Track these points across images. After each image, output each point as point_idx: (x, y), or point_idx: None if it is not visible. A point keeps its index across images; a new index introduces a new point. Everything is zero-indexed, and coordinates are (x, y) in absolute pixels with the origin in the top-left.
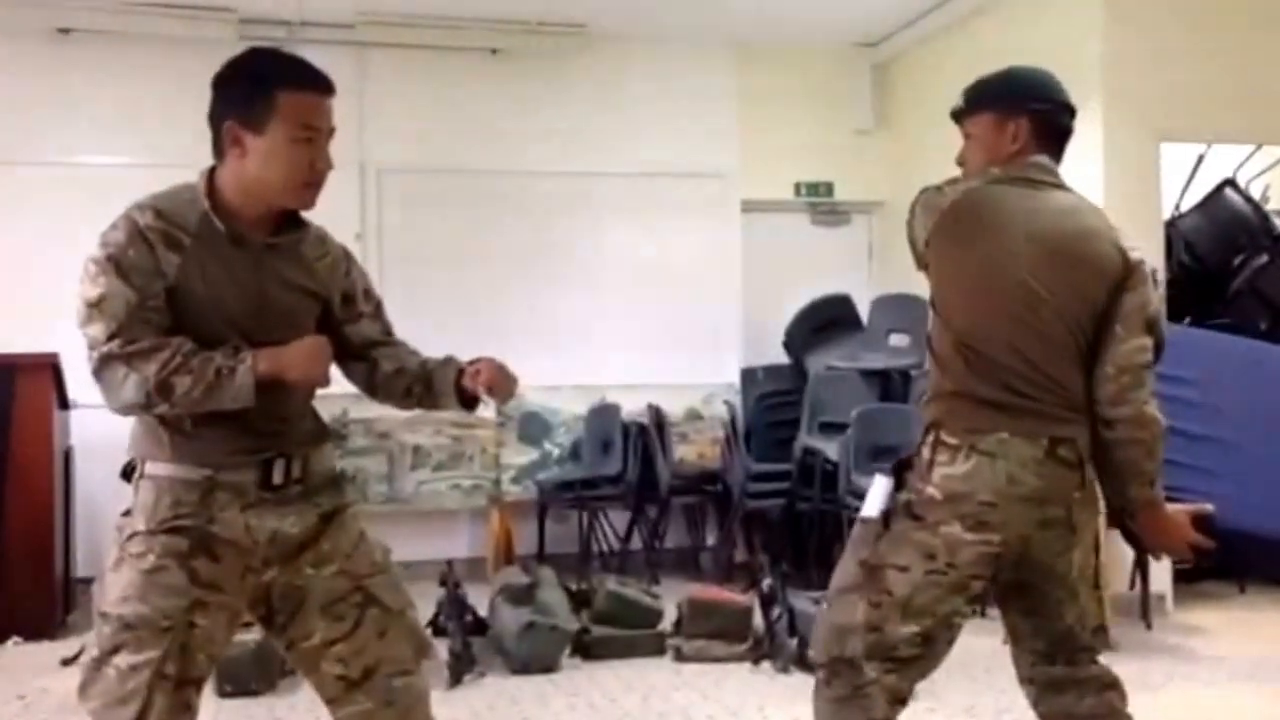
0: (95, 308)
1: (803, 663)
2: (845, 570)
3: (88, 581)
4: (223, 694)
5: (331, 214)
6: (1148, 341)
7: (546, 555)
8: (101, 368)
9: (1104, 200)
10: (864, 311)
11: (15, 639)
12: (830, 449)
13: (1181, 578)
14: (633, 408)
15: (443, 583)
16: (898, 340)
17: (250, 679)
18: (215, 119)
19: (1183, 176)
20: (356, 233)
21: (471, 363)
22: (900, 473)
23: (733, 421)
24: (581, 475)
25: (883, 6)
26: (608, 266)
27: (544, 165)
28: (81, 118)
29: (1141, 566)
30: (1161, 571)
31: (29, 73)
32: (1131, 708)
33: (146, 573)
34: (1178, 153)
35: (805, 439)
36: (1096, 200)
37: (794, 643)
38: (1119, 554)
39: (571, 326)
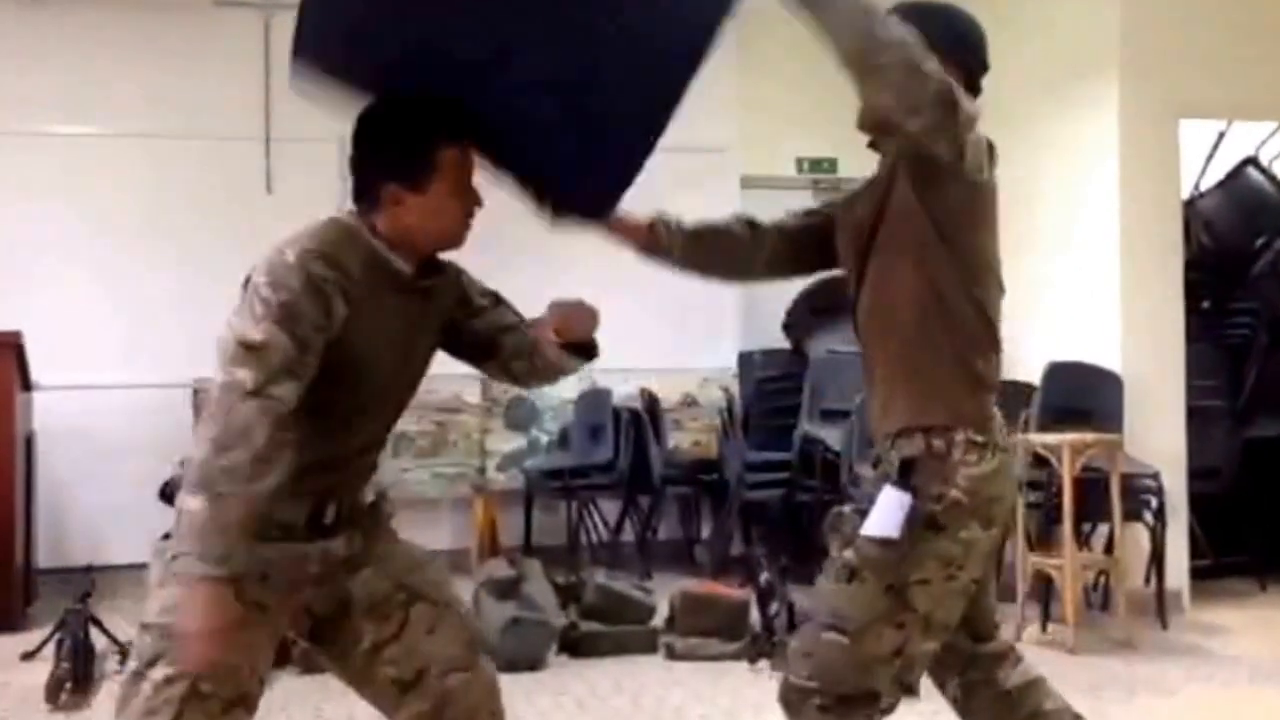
0: (253, 352)
1: None
2: (866, 599)
3: (50, 572)
4: None
5: (312, 188)
6: None
7: (533, 547)
8: (229, 407)
9: (1120, 178)
10: None
11: None
12: (832, 437)
13: (1199, 574)
14: (624, 393)
15: None
16: None
17: None
18: (367, 175)
19: (1202, 154)
20: (337, 207)
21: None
22: (908, 479)
23: (729, 408)
24: (570, 463)
25: None
26: (599, 244)
27: None
28: (49, 85)
29: (1158, 563)
30: (1178, 568)
31: (0, 39)
32: (1147, 711)
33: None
34: (1197, 129)
35: (806, 426)
36: (1112, 178)
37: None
38: (1135, 549)
39: None
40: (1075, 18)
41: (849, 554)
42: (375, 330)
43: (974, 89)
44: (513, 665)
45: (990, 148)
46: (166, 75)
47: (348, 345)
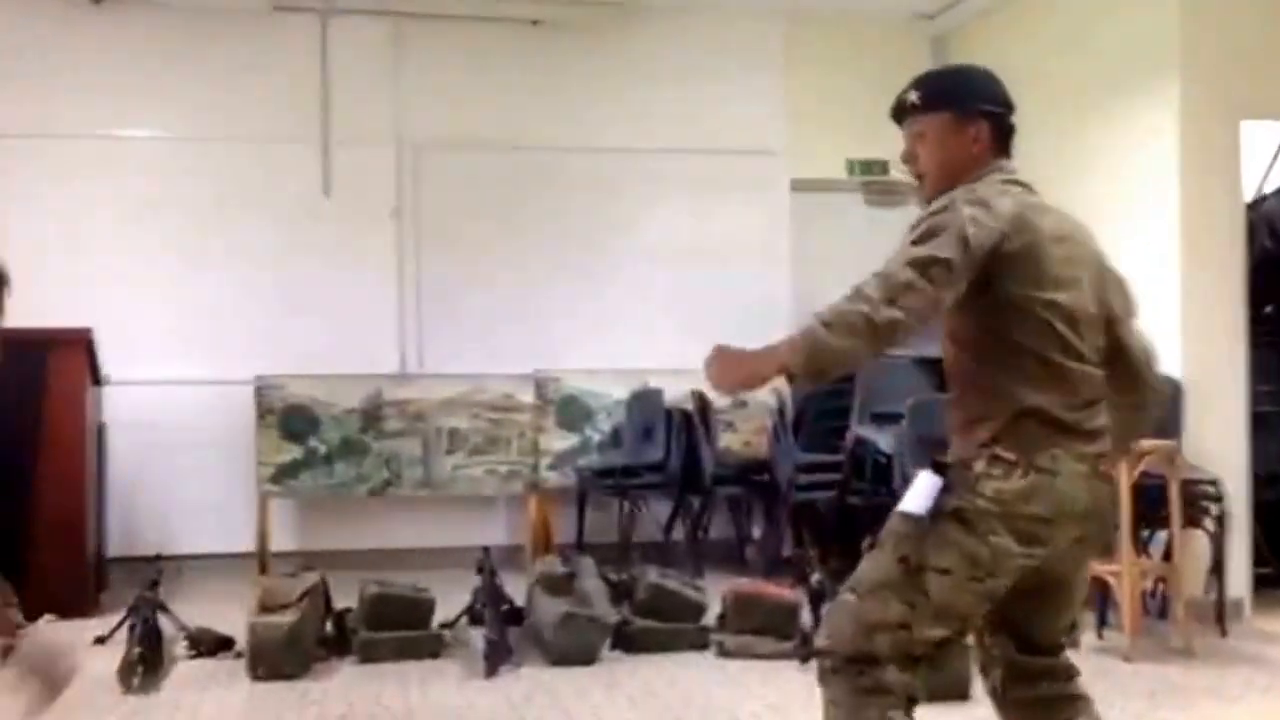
0: None
1: None
2: (880, 564)
3: (119, 561)
4: (255, 677)
5: (369, 190)
6: (1143, 333)
7: (585, 544)
8: None
9: (1181, 181)
10: None
11: (48, 616)
12: (883, 440)
13: (1261, 583)
14: (676, 393)
15: (479, 570)
16: None
17: (284, 662)
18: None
19: (1266, 157)
20: (393, 208)
21: None
22: (944, 472)
23: (780, 410)
24: (623, 462)
25: None
26: (651, 246)
27: (585, 140)
28: (113, 89)
29: (1219, 571)
30: (1239, 575)
31: (63, 43)
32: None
33: None
34: (1263, 131)
35: (857, 429)
36: (1172, 182)
37: None
38: (1196, 558)
39: (613, 308)
40: (1135, 19)
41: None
42: None
43: (1006, 131)
44: (566, 659)
45: (1019, 213)
46: (226, 79)
47: None
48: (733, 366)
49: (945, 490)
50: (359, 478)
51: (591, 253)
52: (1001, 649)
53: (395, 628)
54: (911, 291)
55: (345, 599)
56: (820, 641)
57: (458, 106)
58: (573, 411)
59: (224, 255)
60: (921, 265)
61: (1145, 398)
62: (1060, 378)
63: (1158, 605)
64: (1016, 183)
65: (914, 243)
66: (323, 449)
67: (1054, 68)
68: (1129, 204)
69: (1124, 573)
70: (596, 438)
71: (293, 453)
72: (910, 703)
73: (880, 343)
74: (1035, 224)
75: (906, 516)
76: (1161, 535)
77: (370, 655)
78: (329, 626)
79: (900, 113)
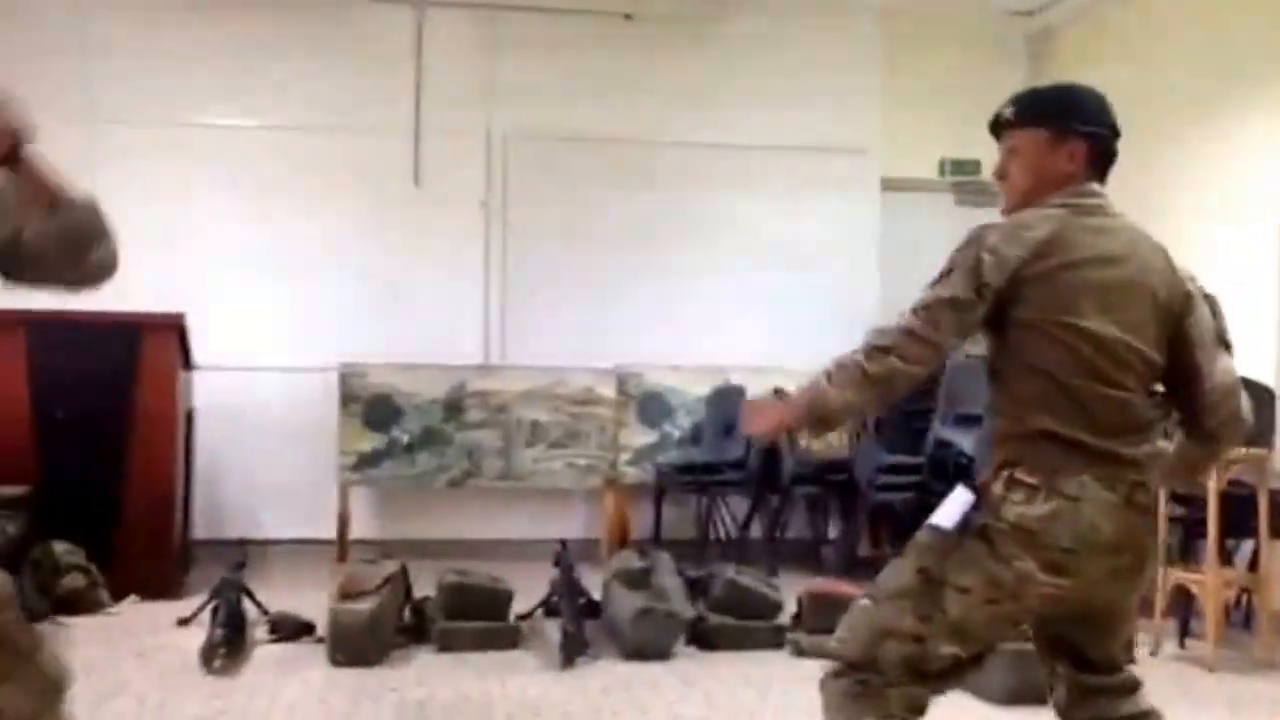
0: None
1: None
2: (901, 574)
3: (205, 544)
4: (335, 663)
5: (458, 181)
6: (1230, 360)
7: (662, 540)
8: None
9: None
10: None
11: (134, 597)
12: (966, 442)
13: None
14: (757, 391)
15: (556, 563)
16: None
17: (364, 648)
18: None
19: None
20: (481, 200)
21: None
22: (976, 489)
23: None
24: (702, 459)
25: None
26: (737, 243)
27: (674, 135)
28: (210, 80)
29: None
30: None
31: (164, 32)
32: None
33: None
34: None
35: (940, 431)
36: (1272, 184)
37: None
38: None
39: (696, 303)
40: (1237, 18)
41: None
42: None
43: (1105, 154)
44: (641, 654)
45: (1052, 238)
46: (322, 70)
47: None
48: (756, 416)
49: (975, 508)
50: (439, 468)
51: (677, 248)
52: (1063, 668)
53: (473, 617)
54: (913, 340)
55: (424, 588)
56: (831, 644)
57: (548, 99)
58: (653, 407)
59: (314, 243)
60: (928, 309)
61: (1216, 430)
62: (1084, 402)
63: (1241, 616)
64: (1083, 207)
65: (934, 282)
66: (405, 438)
67: (1154, 67)
68: (1227, 207)
69: (1208, 582)
70: (676, 434)
71: (375, 442)
72: (917, 712)
73: (878, 393)
74: (1073, 245)
75: (934, 529)
76: (1247, 546)
77: (448, 644)
78: (408, 614)
79: (996, 127)
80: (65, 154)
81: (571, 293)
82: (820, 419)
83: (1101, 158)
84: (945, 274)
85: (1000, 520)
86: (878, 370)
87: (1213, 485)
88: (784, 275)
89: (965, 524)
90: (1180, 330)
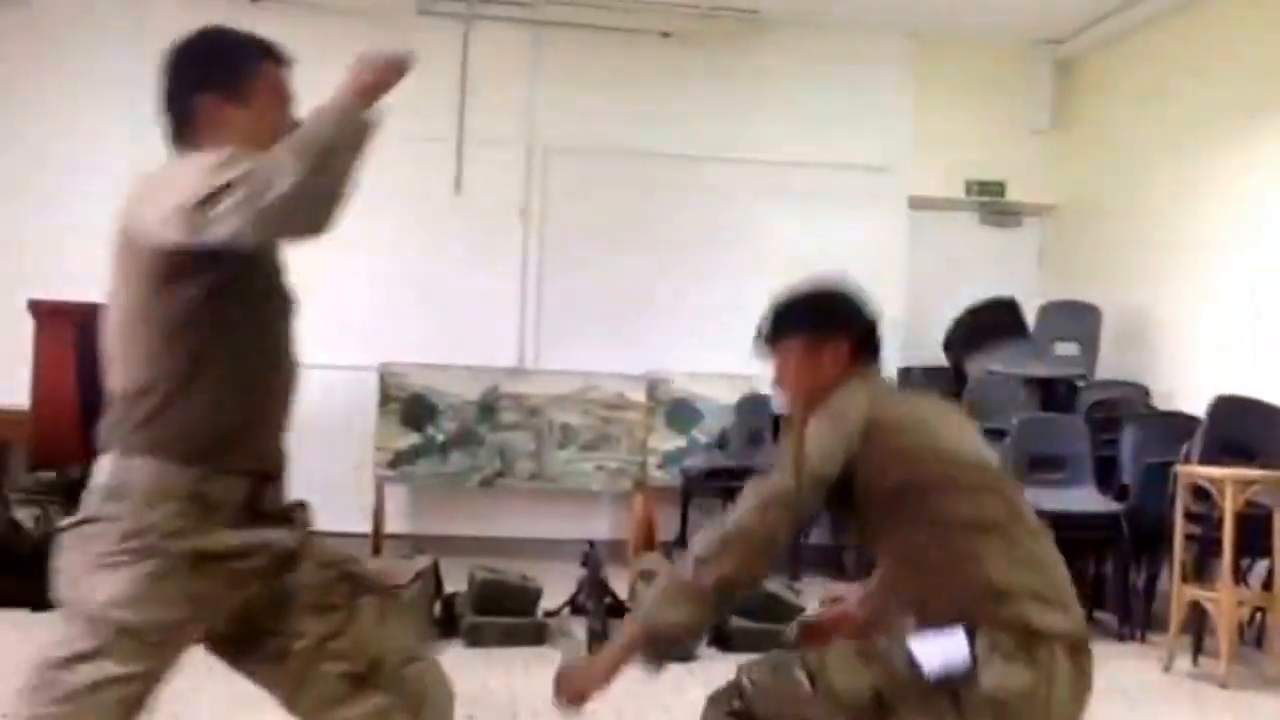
0: None
1: None
2: (857, 679)
3: None
4: None
5: (498, 190)
6: None
7: (688, 542)
8: None
9: None
10: (1030, 317)
11: None
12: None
13: None
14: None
15: (584, 563)
16: (1065, 349)
17: None
18: (181, 97)
19: None
20: (520, 209)
21: None
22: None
23: None
24: (729, 465)
25: (1070, 2)
26: (767, 256)
27: (709, 151)
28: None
29: None
30: None
31: None
32: None
33: (150, 576)
34: None
35: None
36: None
37: None
38: None
39: (726, 315)
40: (1264, 47)
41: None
42: None
43: (866, 345)
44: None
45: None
46: None
47: None
48: (569, 686)
49: (965, 664)
50: (472, 467)
51: (708, 260)
52: None
53: (502, 614)
54: (741, 539)
55: (454, 583)
56: (745, 680)
57: (587, 113)
58: (682, 413)
59: (356, 246)
60: (762, 508)
61: None
62: (1024, 547)
63: (1254, 634)
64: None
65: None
66: (440, 437)
67: (1178, 94)
68: (1248, 232)
69: (1222, 600)
70: (703, 440)
71: (411, 440)
72: None
73: (711, 605)
74: (891, 404)
75: (913, 664)
76: (1261, 565)
77: (477, 639)
78: (438, 609)
79: (761, 343)
80: (116, 154)
81: (604, 301)
82: (659, 654)
83: (865, 349)
84: (771, 469)
85: (974, 686)
86: (705, 584)
87: (1229, 505)
88: None
89: (946, 678)
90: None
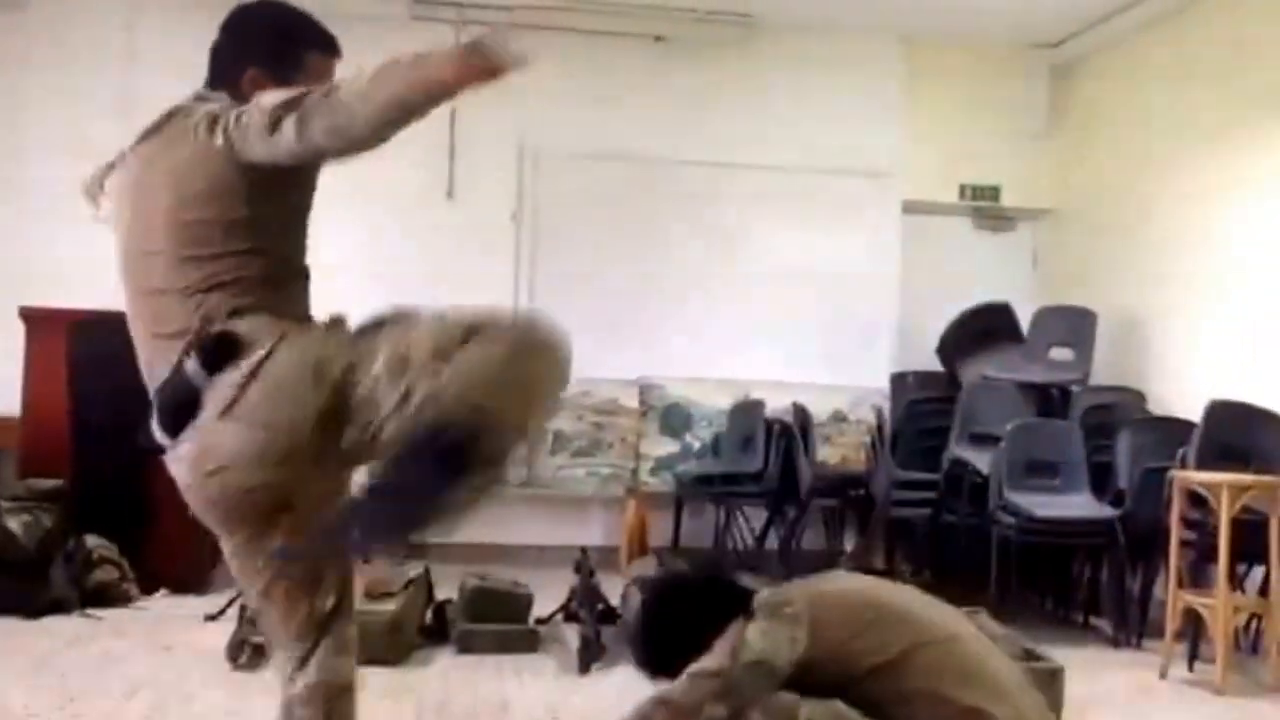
0: None
1: None
2: None
3: None
4: (357, 662)
5: (490, 195)
6: None
7: (680, 549)
8: None
9: None
10: (1024, 322)
11: (163, 590)
12: (981, 461)
13: None
14: (777, 405)
15: (577, 569)
16: (1059, 354)
17: (384, 649)
18: (232, 59)
19: None
20: (512, 212)
21: None
22: None
23: (880, 426)
24: (721, 470)
25: (1065, 6)
26: (760, 261)
27: (701, 155)
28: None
29: None
30: None
31: (198, 44)
32: None
33: None
34: None
35: (955, 449)
36: None
37: None
38: None
39: (719, 320)
40: (1264, 52)
41: None
42: None
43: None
44: None
45: None
46: None
47: None
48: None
49: None
50: None
51: (701, 265)
52: None
53: (494, 621)
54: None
55: (446, 590)
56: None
57: (579, 117)
58: (675, 419)
59: (348, 252)
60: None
61: None
62: None
63: (1250, 641)
64: None
65: None
66: None
67: (1175, 98)
68: (1245, 237)
69: (1218, 606)
70: (696, 445)
71: None
72: None
73: None
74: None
75: None
76: (1258, 571)
77: (468, 646)
78: (430, 616)
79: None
80: (108, 159)
81: (597, 305)
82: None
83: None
84: None
85: None
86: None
87: (1225, 510)
88: (805, 293)
89: None
90: None
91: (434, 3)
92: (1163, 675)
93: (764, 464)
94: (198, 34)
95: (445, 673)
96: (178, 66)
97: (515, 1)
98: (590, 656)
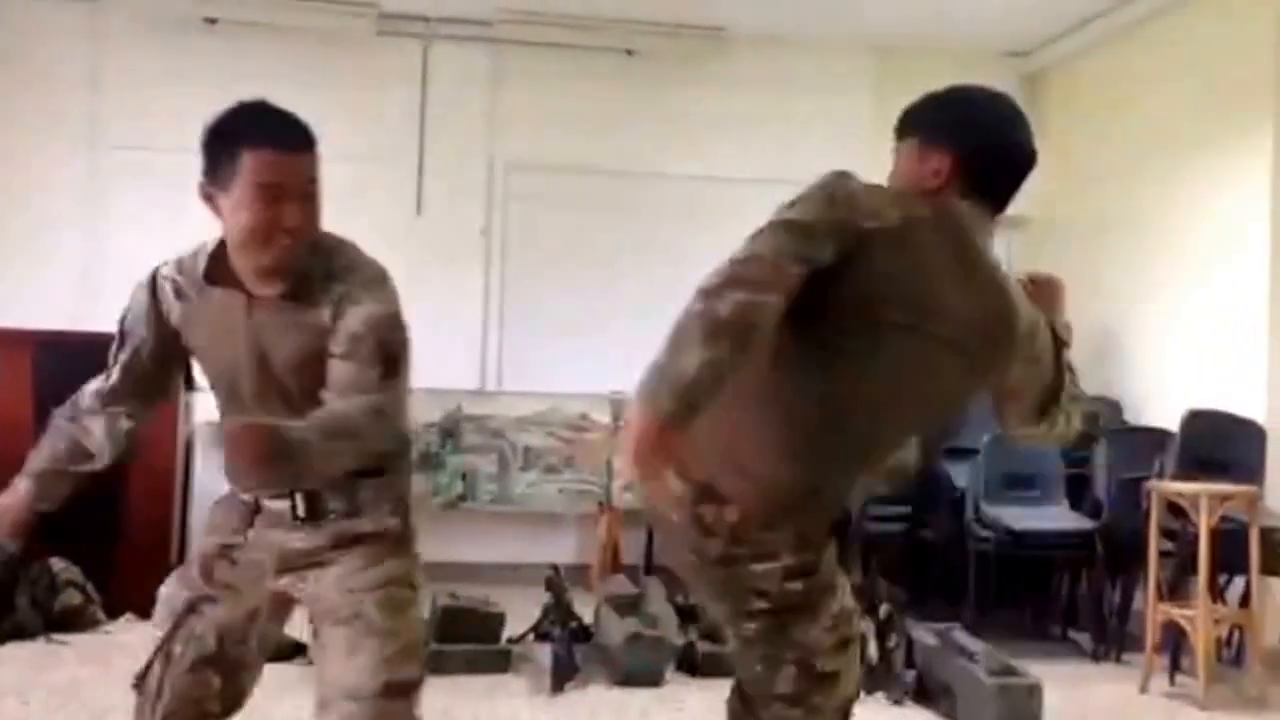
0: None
1: (919, 695)
2: None
3: None
4: None
5: (460, 211)
6: None
7: (653, 566)
8: None
9: (1271, 220)
10: None
11: (129, 615)
12: (958, 474)
13: None
14: None
15: (549, 587)
16: None
17: None
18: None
19: None
20: (481, 228)
21: None
22: None
23: None
24: None
25: (1037, 14)
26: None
27: (672, 168)
28: (212, 106)
29: None
30: None
31: (162, 60)
32: None
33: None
34: None
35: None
36: (1263, 220)
37: (910, 674)
38: (1274, 606)
39: None
40: (1234, 60)
41: None
42: (208, 331)
43: (975, 170)
44: (631, 680)
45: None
46: (330, 100)
47: (188, 340)
48: (626, 458)
49: None
50: (434, 491)
51: (673, 279)
52: None
53: (465, 640)
54: (748, 264)
55: None
56: None
57: (550, 132)
58: None
59: None
60: (760, 233)
61: None
62: None
63: (1231, 653)
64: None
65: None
66: None
67: (1146, 109)
68: (1216, 247)
69: (1199, 618)
70: None
71: None
72: None
73: (734, 336)
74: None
75: None
76: (1239, 582)
77: (439, 667)
78: None
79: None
80: (71, 179)
81: (568, 321)
82: (687, 402)
83: (973, 175)
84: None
85: None
86: (721, 310)
87: (1204, 521)
88: None
89: None
90: None
91: (403, 17)
92: (1143, 689)
93: None
94: (162, 53)
95: (451, 690)
96: (142, 92)
97: (487, 16)
98: (563, 676)
